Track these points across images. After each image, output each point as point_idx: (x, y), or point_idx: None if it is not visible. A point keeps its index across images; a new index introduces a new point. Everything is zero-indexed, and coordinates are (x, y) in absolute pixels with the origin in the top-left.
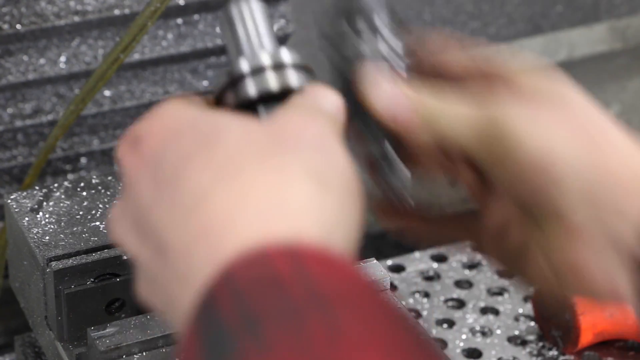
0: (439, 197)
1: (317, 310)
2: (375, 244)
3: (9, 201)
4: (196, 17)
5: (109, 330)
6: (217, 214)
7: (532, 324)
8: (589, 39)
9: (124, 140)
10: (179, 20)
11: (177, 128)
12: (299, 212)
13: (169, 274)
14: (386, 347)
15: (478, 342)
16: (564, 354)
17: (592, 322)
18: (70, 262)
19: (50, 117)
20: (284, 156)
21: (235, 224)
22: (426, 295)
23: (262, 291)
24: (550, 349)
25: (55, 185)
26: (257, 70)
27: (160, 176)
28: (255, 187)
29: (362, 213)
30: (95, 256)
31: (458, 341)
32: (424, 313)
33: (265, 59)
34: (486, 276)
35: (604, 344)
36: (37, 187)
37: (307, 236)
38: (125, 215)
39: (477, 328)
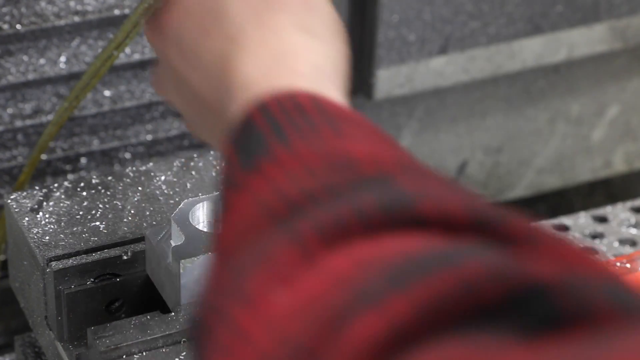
0: None
1: (327, 124)
2: None
3: (9, 201)
4: None
5: (109, 330)
6: (237, 71)
7: None
8: (589, 39)
9: (148, 28)
10: None
11: (188, 9)
12: (300, 62)
13: (210, 118)
14: (375, 144)
15: None
16: None
17: None
18: (70, 262)
19: (50, 117)
20: (278, 15)
21: (251, 78)
22: None
23: (288, 113)
24: None
25: (55, 185)
26: None
27: (184, 48)
28: (259, 44)
29: (346, 59)
30: (95, 256)
31: None
32: None
33: None
34: None
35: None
36: (37, 187)
37: (309, 82)
38: (164, 79)
39: None
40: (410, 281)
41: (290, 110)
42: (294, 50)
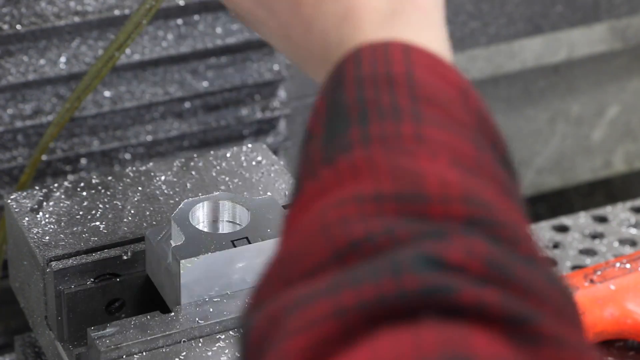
0: None
1: (411, 115)
2: None
3: (9, 201)
4: (196, 17)
5: (109, 330)
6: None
7: None
8: (589, 39)
9: None
10: (179, 21)
11: None
12: (415, 21)
13: (308, 42)
14: (454, 156)
15: None
16: None
17: (592, 322)
18: (70, 262)
19: (50, 117)
20: None
21: (360, 22)
22: None
23: (377, 86)
24: None
25: (55, 185)
26: None
27: None
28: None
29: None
30: (95, 256)
31: None
32: None
33: None
34: None
35: (604, 344)
36: (37, 187)
37: (418, 42)
38: None
39: None
40: None
41: (379, 78)
42: (410, 14)
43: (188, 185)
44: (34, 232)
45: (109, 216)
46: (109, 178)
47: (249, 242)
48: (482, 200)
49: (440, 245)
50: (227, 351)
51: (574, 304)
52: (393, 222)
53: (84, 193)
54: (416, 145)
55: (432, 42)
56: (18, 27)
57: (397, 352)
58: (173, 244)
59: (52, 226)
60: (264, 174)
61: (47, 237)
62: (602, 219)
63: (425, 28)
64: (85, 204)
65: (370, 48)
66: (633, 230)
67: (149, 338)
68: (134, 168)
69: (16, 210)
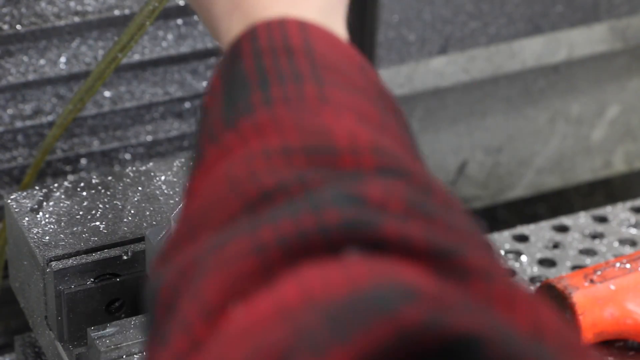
0: None
1: (312, 79)
2: None
3: (9, 201)
4: (196, 17)
5: (109, 330)
6: None
7: None
8: (589, 39)
9: None
10: (179, 21)
11: None
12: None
13: (212, 16)
14: (359, 116)
15: None
16: None
17: (592, 322)
18: (70, 262)
19: (50, 118)
20: None
21: (259, 5)
22: None
23: (276, 55)
24: None
25: (55, 185)
26: None
27: None
28: None
29: None
30: (95, 256)
31: None
32: None
33: None
34: None
35: (604, 344)
36: (37, 187)
37: (312, 18)
38: None
39: None
40: (350, 332)
41: (277, 49)
42: None
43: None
44: (34, 232)
45: (109, 216)
46: (109, 178)
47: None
48: (392, 152)
49: (358, 186)
50: None
51: (494, 247)
52: (304, 171)
53: (84, 193)
54: (320, 104)
55: (326, 23)
56: (18, 27)
57: (327, 283)
58: None
59: (52, 226)
60: None
61: (47, 237)
62: (602, 219)
63: (319, 11)
64: (85, 204)
65: (265, 24)
66: (633, 230)
67: None
68: (134, 168)
69: (16, 210)
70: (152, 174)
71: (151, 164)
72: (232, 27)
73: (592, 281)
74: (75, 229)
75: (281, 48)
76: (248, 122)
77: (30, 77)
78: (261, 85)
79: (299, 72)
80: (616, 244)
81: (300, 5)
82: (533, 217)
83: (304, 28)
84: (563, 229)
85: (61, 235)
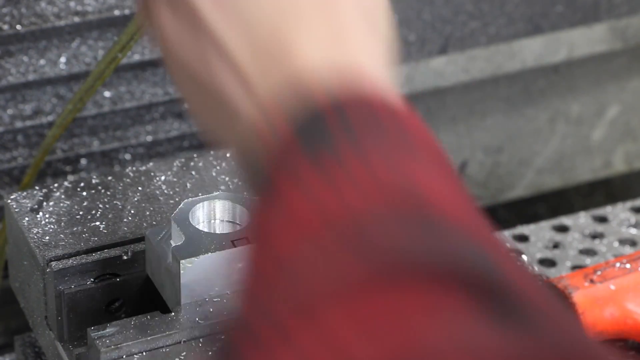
0: None
1: (401, 140)
2: None
3: (9, 201)
4: None
5: (109, 330)
6: (293, 43)
7: None
8: (589, 39)
9: None
10: None
11: None
12: (360, 49)
13: (231, 87)
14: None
15: None
16: None
17: (592, 322)
18: (70, 262)
19: (50, 118)
20: None
21: (310, 57)
22: None
23: (364, 117)
24: None
25: (55, 185)
26: None
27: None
28: (316, 19)
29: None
30: (95, 256)
31: None
32: None
33: None
34: None
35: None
36: (37, 187)
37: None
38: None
39: None
40: None
41: (366, 116)
42: (354, 35)
43: (188, 185)
44: (34, 232)
45: (109, 216)
46: (109, 178)
47: (249, 242)
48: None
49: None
50: None
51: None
52: (404, 214)
53: (84, 193)
54: (412, 162)
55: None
56: (18, 27)
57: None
58: (173, 244)
59: (52, 226)
60: None
61: (47, 237)
62: (602, 219)
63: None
64: (85, 204)
65: (351, 100)
66: (633, 230)
67: (149, 338)
68: (134, 168)
69: (16, 210)
70: (152, 174)
71: (151, 164)
72: (271, 86)
73: (592, 281)
74: (75, 229)
75: (369, 116)
76: (333, 160)
77: (30, 77)
78: (347, 133)
79: (389, 132)
80: (616, 244)
81: (353, 55)
82: (533, 217)
83: (388, 106)
84: (563, 229)
85: (61, 235)
